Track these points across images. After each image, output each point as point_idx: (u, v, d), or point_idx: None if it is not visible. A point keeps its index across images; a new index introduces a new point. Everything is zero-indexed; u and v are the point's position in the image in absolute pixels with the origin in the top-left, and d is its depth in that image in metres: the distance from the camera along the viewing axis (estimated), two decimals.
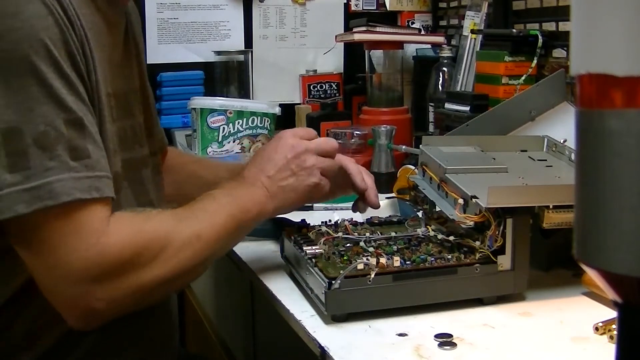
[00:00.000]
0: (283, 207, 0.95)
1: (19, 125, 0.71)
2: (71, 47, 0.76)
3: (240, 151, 1.65)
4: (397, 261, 0.84)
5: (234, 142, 1.62)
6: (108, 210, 0.77)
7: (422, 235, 0.95)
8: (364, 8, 2.13)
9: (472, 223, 0.89)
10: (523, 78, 1.53)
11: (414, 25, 2.08)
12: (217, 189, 0.90)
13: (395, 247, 0.90)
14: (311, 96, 2.09)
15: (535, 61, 1.52)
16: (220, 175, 1.13)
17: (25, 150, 0.71)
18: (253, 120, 1.64)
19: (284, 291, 0.93)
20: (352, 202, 1.03)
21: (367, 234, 0.96)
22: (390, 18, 2.10)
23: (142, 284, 0.78)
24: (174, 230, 0.81)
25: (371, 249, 0.89)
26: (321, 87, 2.09)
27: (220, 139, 1.63)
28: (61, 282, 0.74)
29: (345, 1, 2.13)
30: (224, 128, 1.63)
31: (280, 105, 1.71)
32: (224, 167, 1.23)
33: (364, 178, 1.01)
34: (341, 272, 0.81)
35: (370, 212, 1.04)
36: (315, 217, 1.29)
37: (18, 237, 0.75)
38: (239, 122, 1.63)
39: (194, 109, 1.64)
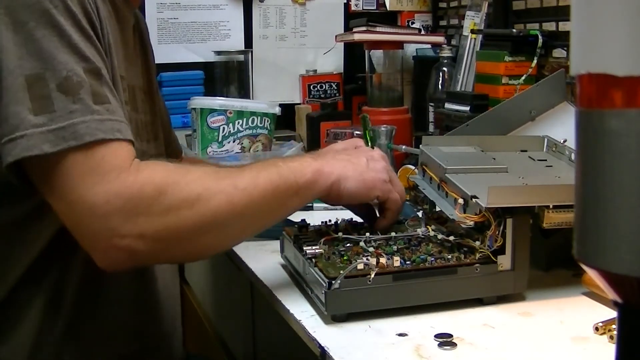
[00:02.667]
0: (346, 182, 0.88)
1: (42, 72, 0.74)
2: (88, 9, 0.79)
3: (240, 151, 1.65)
4: (397, 261, 0.84)
5: (234, 142, 1.62)
6: (131, 151, 0.77)
7: (422, 235, 0.94)
8: (364, 8, 2.14)
9: (472, 223, 0.89)
10: (523, 78, 1.53)
11: (414, 25, 2.08)
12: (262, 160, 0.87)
13: (395, 247, 0.90)
14: (311, 96, 2.09)
15: (535, 61, 1.52)
16: None
17: (49, 94, 0.73)
18: (253, 120, 1.64)
19: (284, 291, 0.93)
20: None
21: (367, 234, 0.96)
22: (390, 18, 2.10)
23: (168, 226, 0.76)
24: (207, 177, 0.79)
25: (371, 249, 0.89)
26: (321, 87, 2.09)
27: (220, 139, 1.63)
28: (84, 217, 0.74)
29: (345, 1, 2.13)
30: (224, 128, 1.62)
31: (280, 105, 1.71)
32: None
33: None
34: (341, 272, 0.81)
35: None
36: (315, 217, 1.29)
37: (42, 177, 0.75)
38: (239, 122, 1.63)
39: (194, 109, 1.64)
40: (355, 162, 0.90)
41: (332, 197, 0.89)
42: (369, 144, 1.03)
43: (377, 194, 0.92)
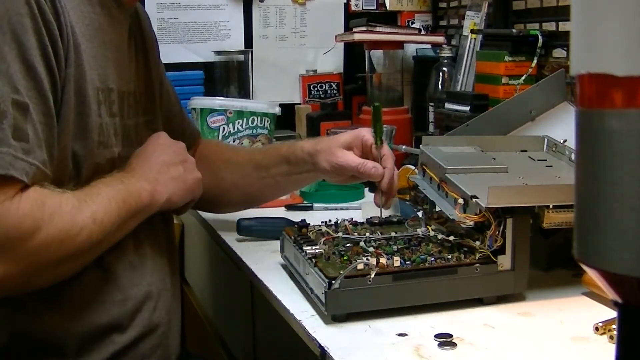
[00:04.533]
0: (175, 197, 0.97)
1: None
2: (43, 37, 0.79)
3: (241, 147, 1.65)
4: (397, 261, 0.84)
5: (234, 142, 1.62)
6: (29, 194, 0.78)
7: (422, 235, 0.95)
8: (364, 8, 2.13)
9: (472, 223, 0.89)
10: (523, 78, 1.53)
11: (414, 25, 2.08)
12: (109, 176, 0.90)
13: (395, 247, 0.90)
14: (311, 96, 2.09)
15: (535, 61, 1.52)
16: (253, 158, 1.19)
17: None
18: (253, 120, 1.64)
19: (284, 291, 0.93)
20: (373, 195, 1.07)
21: (367, 234, 0.96)
22: (390, 18, 2.10)
23: (32, 263, 0.78)
24: (74, 212, 0.81)
25: (371, 249, 0.89)
26: (321, 87, 2.09)
27: (220, 139, 1.63)
28: None
29: (345, 1, 2.13)
30: (223, 128, 1.62)
31: (280, 105, 1.71)
32: (258, 152, 1.27)
33: (372, 166, 1.03)
34: (341, 272, 0.81)
35: (373, 212, 1.04)
36: (315, 217, 1.29)
37: None
38: (239, 122, 1.63)
39: (194, 109, 1.64)
40: (176, 175, 0.98)
41: (165, 209, 0.98)
42: (378, 137, 1.03)
43: (197, 195, 1.03)
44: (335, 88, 2.10)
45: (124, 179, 0.91)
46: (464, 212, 0.88)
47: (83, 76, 0.85)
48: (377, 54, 1.91)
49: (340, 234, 0.95)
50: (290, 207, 1.35)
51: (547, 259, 0.99)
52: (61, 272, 0.84)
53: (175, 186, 0.97)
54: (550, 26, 1.56)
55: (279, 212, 1.32)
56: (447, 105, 1.55)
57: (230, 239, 1.18)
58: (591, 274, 0.47)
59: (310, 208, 1.36)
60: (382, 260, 0.83)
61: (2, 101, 0.75)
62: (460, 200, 0.89)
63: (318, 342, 0.77)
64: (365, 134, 1.06)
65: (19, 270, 0.77)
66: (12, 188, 0.76)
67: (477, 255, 0.86)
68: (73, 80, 0.84)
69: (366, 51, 1.91)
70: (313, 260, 0.87)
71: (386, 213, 1.09)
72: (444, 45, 1.82)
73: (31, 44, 0.78)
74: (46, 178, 0.80)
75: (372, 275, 0.81)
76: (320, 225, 1.00)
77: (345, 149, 1.06)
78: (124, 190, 0.89)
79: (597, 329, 0.78)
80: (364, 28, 1.84)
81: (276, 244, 1.03)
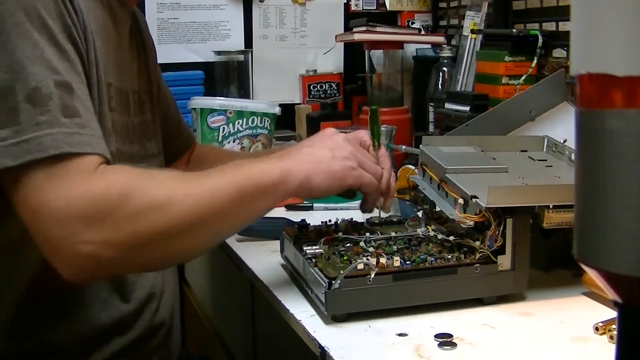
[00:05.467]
0: (315, 180, 0.87)
1: (11, 83, 0.73)
2: (67, 20, 0.79)
3: (240, 151, 1.65)
4: (397, 261, 0.84)
5: (234, 142, 1.62)
6: (96, 164, 0.76)
7: (422, 235, 0.95)
8: (364, 8, 2.14)
9: (472, 223, 0.89)
10: (523, 78, 1.53)
11: (414, 25, 2.08)
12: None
13: (395, 247, 0.90)
14: (311, 96, 2.09)
15: (535, 61, 1.52)
16: None
17: (17, 106, 0.73)
18: (253, 120, 1.64)
19: (284, 291, 0.93)
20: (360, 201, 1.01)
21: (367, 234, 0.96)
22: (390, 18, 2.10)
23: (134, 231, 0.74)
24: (174, 181, 0.78)
25: (371, 249, 0.89)
26: (321, 87, 2.09)
27: (220, 139, 1.63)
28: (46, 222, 0.72)
29: (345, 1, 2.13)
30: (224, 128, 1.62)
31: (280, 105, 1.71)
32: (252, 155, 1.26)
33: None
34: (341, 272, 0.81)
35: (373, 212, 1.04)
36: (315, 217, 1.29)
37: (9, 189, 0.75)
38: (239, 122, 1.63)
39: (194, 108, 1.64)
40: (320, 155, 0.89)
41: (303, 194, 0.89)
42: (375, 138, 1.03)
43: (349, 182, 0.90)
44: (335, 88, 2.10)
45: (254, 160, 0.86)
46: (464, 212, 0.88)
47: (98, 65, 0.85)
48: (377, 54, 1.91)
49: (340, 234, 0.95)
50: (290, 207, 1.35)
51: (547, 259, 0.99)
52: (169, 247, 0.77)
53: (315, 167, 0.87)
54: (550, 26, 1.56)
55: (279, 212, 1.32)
56: (447, 105, 1.55)
57: (230, 239, 1.18)
58: (591, 274, 0.47)
59: (310, 208, 1.36)
60: (382, 260, 0.83)
61: (44, 84, 0.74)
62: (460, 200, 0.89)
63: (318, 342, 0.77)
64: (364, 135, 1.06)
65: (120, 238, 0.73)
66: (86, 163, 0.74)
67: (477, 255, 0.86)
68: (91, 65, 0.84)
69: (366, 51, 1.91)
70: (313, 260, 0.87)
71: (386, 214, 1.09)
72: (444, 45, 1.82)
73: (57, 27, 0.77)
74: (107, 148, 0.78)
75: (372, 275, 0.81)
76: (320, 225, 1.00)
77: None
78: (251, 166, 0.83)
79: (597, 329, 0.78)
80: (364, 28, 1.84)
81: (276, 244, 1.03)
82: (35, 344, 0.86)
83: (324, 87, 2.10)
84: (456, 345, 0.76)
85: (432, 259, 0.86)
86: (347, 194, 0.97)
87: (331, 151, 0.90)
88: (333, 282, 0.80)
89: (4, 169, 0.72)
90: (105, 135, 0.86)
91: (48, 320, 0.86)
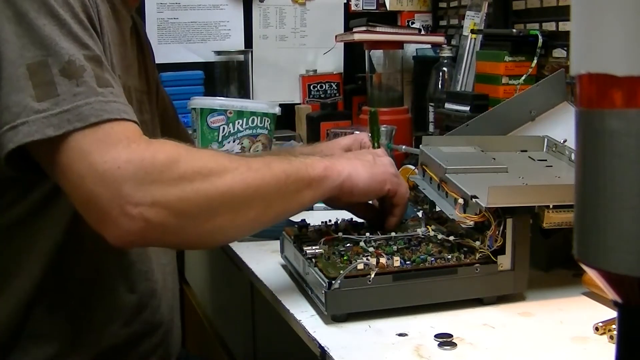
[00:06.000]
0: (358, 178, 0.89)
1: (44, 59, 0.74)
2: (87, 6, 0.80)
3: (240, 151, 1.65)
4: (397, 261, 0.84)
5: (234, 142, 1.62)
6: (138, 130, 0.77)
7: (422, 235, 0.95)
8: (364, 8, 2.13)
9: (472, 223, 0.89)
10: (523, 78, 1.53)
11: (414, 25, 2.08)
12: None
13: (395, 247, 0.90)
14: (311, 96, 2.09)
15: (535, 61, 1.52)
16: None
17: (52, 79, 0.73)
18: (253, 120, 1.64)
19: (284, 291, 0.93)
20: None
21: (367, 234, 0.96)
22: (390, 18, 2.10)
23: (181, 196, 0.74)
24: (220, 155, 0.80)
25: (371, 249, 0.89)
26: (321, 87, 2.09)
27: (220, 139, 1.62)
28: (95, 186, 0.72)
29: (345, 1, 2.13)
30: (224, 128, 1.62)
31: (280, 105, 1.71)
32: (251, 156, 1.23)
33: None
34: (341, 272, 0.81)
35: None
36: (315, 217, 1.29)
37: (50, 160, 0.74)
38: (239, 122, 1.63)
39: (194, 108, 1.64)
40: (363, 159, 0.92)
41: (345, 193, 0.89)
42: (375, 140, 1.04)
43: (389, 187, 0.92)
44: (335, 88, 2.10)
45: (295, 155, 0.88)
46: (464, 212, 0.88)
47: (111, 54, 0.86)
48: (377, 54, 1.91)
49: (340, 234, 0.95)
50: None
51: (547, 259, 0.99)
52: (218, 223, 0.77)
53: (358, 165, 0.89)
54: (550, 26, 1.56)
55: None
56: (447, 105, 1.55)
57: None
58: (591, 274, 0.47)
59: (310, 208, 1.36)
60: (382, 260, 0.83)
61: (76, 58, 0.75)
62: (460, 200, 0.89)
63: (318, 342, 0.77)
64: (364, 137, 1.07)
65: (170, 206, 0.73)
66: (129, 129, 0.75)
67: (477, 255, 0.86)
68: (107, 50, 0.84)
69: (366, 51, 1.91)
70: (313, 260, 0.87)
71: None
72: (444, 45, 1.82)
73: (77, 7, 0.78)
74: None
75: (372, 275, 0.81)
76: (320, 225, 1.00)
77: (345, 151, 1.06)
78: (295, 159, 0.85)
79: (597, 329, 0.78)
80: (364, 28, 1.84)
81: (276, 244, 1.03)
82: (34, 328, 0.86)
83: (324, 87, 2.10)
84: (456, 345, 0.76)
85: (432, 259, 0.86)
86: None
87: (373, 158, 0.93)
88: (333, 282, 0.80)
89: (47, 138, 0.72)
90: None
91: (47, 306, 0.86)
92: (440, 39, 1.90)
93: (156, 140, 0.77)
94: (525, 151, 1.10)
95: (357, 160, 0.92)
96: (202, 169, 0.76)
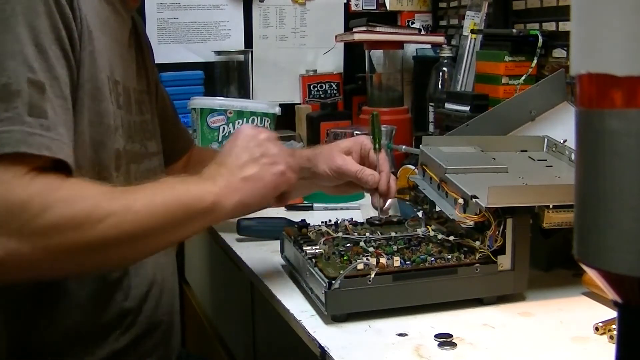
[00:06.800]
0: (249, 199, 0.87)
1: None
2: (56, 21, 0.78)
3: None
4: (397, 261, 0.84)
5: None
6: (32, 169, 0.74)
7: (422, 235, 0.95)
8: (364, 8, 2.13)
9: (472, 223, 0.89)
10: (523, 78, 1.53)
11: (414, 25, 2.08)
12: (172, 178, 0.85)
13: (395, 247, 0.90)
14: (311, 96, 2.09)
15: (535, 61, 1.52)
16: None
17: None
18: (253, 120, 1.64)
19: (284, 291, 0.93)
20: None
21: (367, 234, 0.96)
22: (390, 18, 2.10)
23: (43, 246, 0.72)
24: (101, 197, 0.76)
25: (371, 249, 0.89)
26: (321, 87, 2.09)
27: (220, 139, 1.63)
28: None
29: (345, 1, 2.13)
30: (224, 128, 1.62)
31: (280, 105, 1.71)
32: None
33: (369, 173, 1.01)
34: (341, 272, 0.81)
35: (373, 212, 1.04)
36: (315, 217, 1.29)
37: None
38: (239, 122, 1.63)
39: (194, 108, 1.64)
40: (252, 173, 0.87)
41: (239, 214, 0.92)
42: (376, 142, 1.04)
43: (283, 189, 0.91)
44: (335, 88, 2.10)
45: (189, 179, 0.84)
46: (464, 212, 0.88)
47: (95, 62, 0.85)
48: (377, 54, 1.91)
49: (340, 234, 0.95)
50: (290, 207, 1.35)
51: (547, 259, 0.99)
52: (85, 261, 0.77)
53: (248, 187, 0.86)
54: (550, 26, 1.56)
55: (279, 212, 1.32)
56: (447, 105, 1.55)
57: (230, 239, 1.18)
58: (591, 274, 0.47)
59: (310, 208, 1.36)
60: (382, 260, 0.83)
61: (16, 80, 0.74)
62: (460, 200, 0.89)
63: (318, 342, 0.77)
64: (364, 140, 1.06)
65: (31, 250, 0.71)
66: (26, 165, 0.73)
67: (477, 255, 0.86)
68: (87, 64, 0.83)
69: (366, 51, 1.91)
70: (313, 260, 0.87)
71: (384, 215, 1.09)
72: (444, 45, 1.82)
73: (44, 28, 0.77)
74: (71, 155, 0.77)
75: (372, 275, 0.81)
76: (320, 225, 1.00)
77: (345, 154, 1.06)
78: (183, 189, 0.82)
79: (597, 329, 0.78)
80: (364, 28, 1.84)
81: (276, 244, 1.03)
82: (35, 341, 0.87)
83: (324, 87, 2.09)
84: (456, 345, 0.76)
85: (432, 259, 0.86)
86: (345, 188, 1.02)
87: (258, 161, 0.88)
88: (333, 282, 0.80)
89: None
90: (108, 132, 0.86)
91: (48, 317, 0.86)
92: (440, 39, 1.90)
93: (41, 182, 0.73)
94: (525, 151, 1.10)
95: (247, 176, 0.87)
96: (75, 218, 0.73)
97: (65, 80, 0.79)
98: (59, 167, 0.76)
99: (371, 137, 1.05)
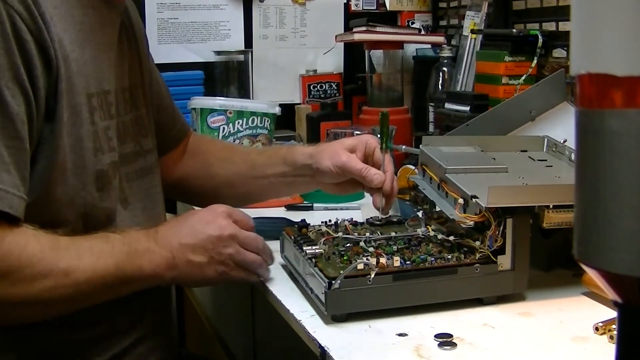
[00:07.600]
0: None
1: None
2: (14, 57, 0.77)
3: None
4: (397, 261, 0.84)
5: (234, 142, 1.62)
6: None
7: (422, 235, 0.95)
8: (364, 8, 2.13)
9: (472, 223, 0.89)
10: (523, 78, 1.53)
11: (414, 25, 2.08)
12: (120, 235, 0.86)
13: (395, 247, 0.90)
14: (311, 96, 2.09)
15: (535, 61, 1.52)
16: (249, 157, 1.16)
17: None
18: (253, 120, 1.64)
19: (284, 291, 0.93)
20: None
21: (367, 234, 0.96)
22: (390, 18, 2.10)
23: None
24: (44, 257, 0.78)
25: (371, 249, 0.89)
26: (321, 87, 2.09)
27: (220, 139, 1.63)
28: None
29: (345, 1, 2.13)
30: (224, 128, 1.62)
31: (280, 105, 1.71)
32: (255, 152, 1.23)
33: (374, 173, 1.00)
34: (341, 272, 0.81)
35: (373, 212, 1.04)
36: (315, 217, 1.29)
37: None
38: (239, 122, 1.63)
39: (194, 109, 1.64)
40: (196, 262, 0.89)
41: (180, 282, 0.94)
42: (384, 142, 1.03)
43: (215, 283, 0.94)
44: (335, 88, 2.10)
45: (134, 243, 0.85)
46: (464, 212, 0.88)
47: (73, 88, 0.83)
48: (377, 54, 1.91)
49: (340, 234, 0.95)
50: (290, 207, 1.35)
51: (547, 259, 0.99)
52: (21, 314, 0.80)
53: (188, 270, 0.88)
54: (550, 26, 1.56)
55: (279, 212, 1.32)
56: (447, 105, 1.55)
57: None
58: (591, 274, 0.47)
59: (310, 208, 1.36)
60: (382, 260, 0.83)
61: None
62: (460, 200, 0.89)
63: (318, 342, 0.77)
64: (369, 139, 1.06)
65: None
66: None
67: (477, 255, 0.86)
68: (65, 93, 0.82)
69: (366, 51, 1.91)
70: (313, 260, 0.87)
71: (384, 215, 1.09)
72: (444, 45, 1.82)
73: (4, 63, 0.76)
74: (21, 202, 0.77)
75: (372, 275, 0.81)
76: (320, 225, 1.00)
77: (349, 152, 1.06)
78: (124, 255, 0.84)
79: (597, 329, 0.78)
80: (364, 28, 1.84)
81: (276, 244, 1.03)
82: (35, 346, 0.86)
83: (324, 87, 2.09)
84: (456, 345, 0.76)
85: (432, 259, 0.86)
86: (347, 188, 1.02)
87: (208, 252, 0.89)
88: (333, 282, 0.80)
89: None
90: (88, 155, 0.86)
91: (45, 327, 0.86)
92: (440, 39, 1.90)
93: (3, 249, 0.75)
94: (525, 151, 1.10)
95: (194, 262, 0.88)
96: (10, 272, 0.75)
97: (22, 118, 0.77)
98: (3, 217, 0.76)
99: (379, 136, 1.05)
